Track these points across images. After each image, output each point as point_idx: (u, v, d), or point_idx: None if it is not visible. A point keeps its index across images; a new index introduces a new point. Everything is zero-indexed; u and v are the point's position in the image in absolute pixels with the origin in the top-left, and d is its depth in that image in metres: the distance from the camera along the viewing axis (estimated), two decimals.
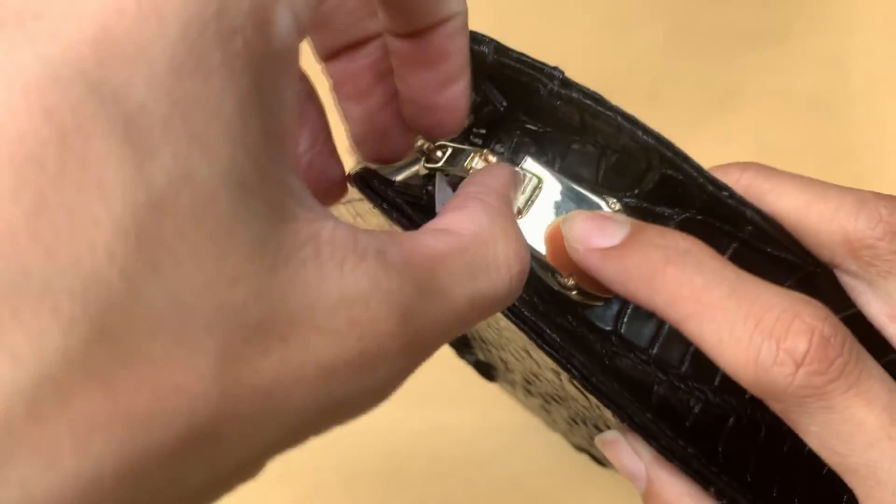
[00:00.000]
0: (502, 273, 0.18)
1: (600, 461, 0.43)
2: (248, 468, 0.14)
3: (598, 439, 0.26)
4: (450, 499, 0.45)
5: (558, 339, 0.23)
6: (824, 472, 0.22)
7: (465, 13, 0.22)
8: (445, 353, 0.50)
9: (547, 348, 0.23)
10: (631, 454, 0.24)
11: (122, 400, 0.11)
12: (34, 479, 0.11)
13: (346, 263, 0.14)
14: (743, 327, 0.19)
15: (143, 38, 0.12)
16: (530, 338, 0.23)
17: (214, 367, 0.12)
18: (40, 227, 0.11)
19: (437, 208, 0.24)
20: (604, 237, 0.22)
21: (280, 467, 0.48)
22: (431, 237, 0.17)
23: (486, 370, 0.40)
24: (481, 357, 0.38)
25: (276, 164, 0.14)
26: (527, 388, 0.36)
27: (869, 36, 0.62)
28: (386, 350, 0.15)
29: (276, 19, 0.13)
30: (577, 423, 0.33)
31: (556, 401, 0.32)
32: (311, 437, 0.16)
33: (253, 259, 0.13)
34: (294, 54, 0.14)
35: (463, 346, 0.37)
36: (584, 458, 0.47)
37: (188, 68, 0.12)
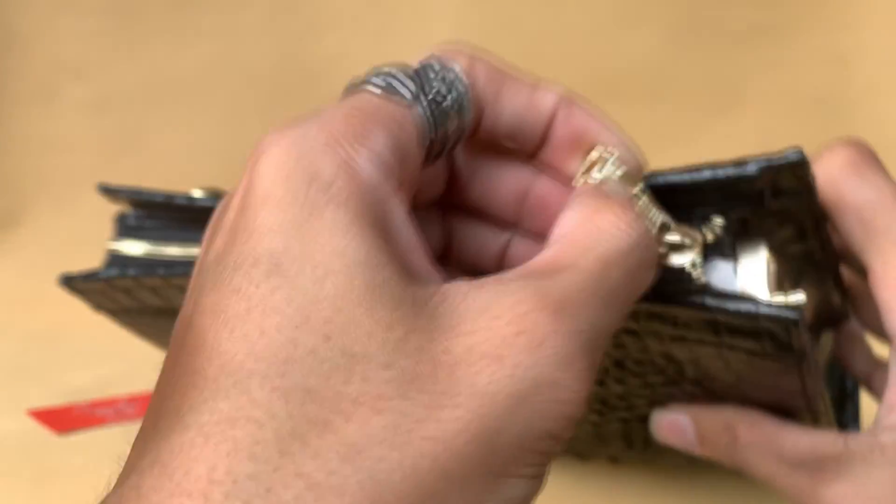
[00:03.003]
0: (622, 227, 0.20)
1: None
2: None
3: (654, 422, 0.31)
4: None
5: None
6: None
7: None
8: None
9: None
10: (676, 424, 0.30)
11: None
12: None
13: (473, 290, 0.18)
14: None
15: None
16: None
17: (397, 388, 0.16)
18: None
19: (720, 285, 0.24)
20: None
21: None
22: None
23: None
24: None
25: (393, 258, 0.18)
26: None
27: (874, 34, 0.62)
28: (534, 325, 0.18)
29: (359, 167, 0.18)
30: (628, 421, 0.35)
31: (610, 408, 0.34)
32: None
33: (398, 307, 0.17)
34: (384, 186, 0.19)
35: None
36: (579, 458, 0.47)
37: (305, 216, 0.18)
